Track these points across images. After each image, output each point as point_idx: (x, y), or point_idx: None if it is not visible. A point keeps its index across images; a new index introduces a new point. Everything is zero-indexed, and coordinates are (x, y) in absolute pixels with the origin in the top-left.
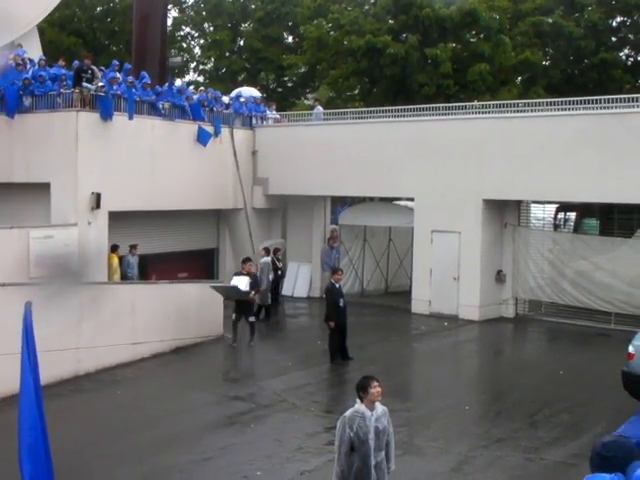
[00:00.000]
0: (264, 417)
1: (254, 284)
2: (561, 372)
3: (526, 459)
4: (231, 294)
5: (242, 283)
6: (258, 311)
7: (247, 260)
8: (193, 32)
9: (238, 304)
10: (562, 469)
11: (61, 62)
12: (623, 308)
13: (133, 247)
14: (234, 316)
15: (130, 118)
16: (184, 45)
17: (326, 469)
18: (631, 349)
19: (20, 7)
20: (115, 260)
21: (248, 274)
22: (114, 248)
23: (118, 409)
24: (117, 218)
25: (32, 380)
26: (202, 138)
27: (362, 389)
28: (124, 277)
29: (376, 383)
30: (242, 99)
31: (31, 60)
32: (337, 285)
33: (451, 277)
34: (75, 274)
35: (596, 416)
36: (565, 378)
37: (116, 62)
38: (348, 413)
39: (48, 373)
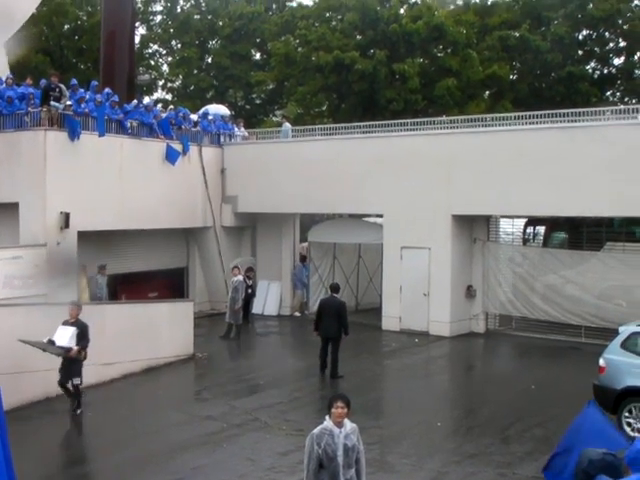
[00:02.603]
0: (236, 436)
1: (81, 336)
2: (533, 387)
3: (499, 474)
4: (49, 350)
5: (65, 336)
6: (229, 330)
7: (75, 305)
8: (161, 50)
9: (63, 361)
10: None
11: (28, 81)
12: (593, 321)
13: (102, 267)
14: (59, 377)
15: (101, 135)
16: (152, 63)
17: None
18: (602, 362)
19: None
20: (83, 280)
21: (75, 323)
22: (82, 268)
23: (89, 431)
24: (86, 238)
25: None
26: (171, 156)
27: (328, 406)
28: (93, 297)
29: (340, 403)
30: (210, 117)
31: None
32: None
33: (421, 293)
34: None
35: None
36: (537, 393)
37: (74, 81)
38: (316, 430)
39: (19, 395)
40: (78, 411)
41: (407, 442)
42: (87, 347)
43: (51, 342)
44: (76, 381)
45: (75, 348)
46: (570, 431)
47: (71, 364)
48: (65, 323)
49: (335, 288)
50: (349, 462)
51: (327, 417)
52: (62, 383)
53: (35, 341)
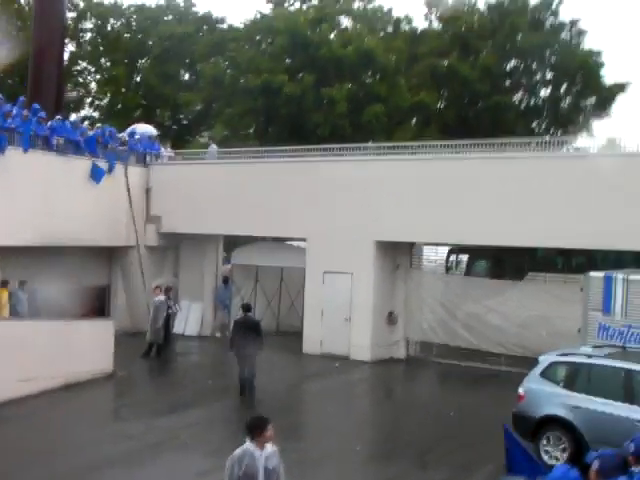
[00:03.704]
0: (155, 455)
1: None
2: (451, 413)
3: None
4: None
5: None
6: (149, 349)
7: None
8: (90, 67)
9: None
10: None
11: None
12: (514, 350)
13: (22, 282)
14: None
15: (25, 151)
16: (80, 80)
17: None
18: (521, 391)
19: None
20: (5, 295)
21: None
22: (4, 283)
23: (4, 447)
24: (8, 253)
25: None
26: (95, 174)
27: (257, 429)
28: (13, 313)
29: (271, 426)
30: (137, 136)
31: None
32: None
33: (343, 318)
34: None
35: (486, 456)
36: (456, 419)
37: (0, 96)
38: (237, 452)
39: None
40: None
41: (327, 466)
42: None
43: None
44: None
45: None
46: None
47: None
48: None
49: (247, 307)
50: None
51: (247, 439)
52: None
53: None
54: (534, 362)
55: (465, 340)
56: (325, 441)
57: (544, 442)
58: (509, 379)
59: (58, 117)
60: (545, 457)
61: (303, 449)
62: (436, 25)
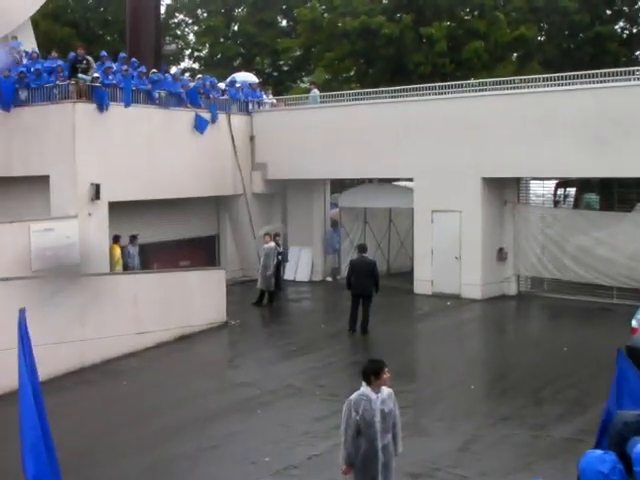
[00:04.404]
0: (270, 403)
1: None
2: (565, 348)
3: (532, 436)
4: None
5: None
6: (261, 296)
7: None
8: (187, 19)
9: None
10: (568, 445)
11: (54, 54)
12: (625, 282)
13: (133, 237)
14: None
15: (127, 106)
16: (178, 32)
17: (334, 453)
18: (634, 324)
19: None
20: (117, 251)
21: None
22: (116, 239)
23: (123, 399)
24: (117, 208)
25: (29, 381)
26: (199, 125)
27: (373, 373)
28: (125, 267)
29: (387, 369)
30: (238, 85)
31: (26, 52)
32: None
33: (452, 256)
34: (76, 266)
35: (601, 392)
36: (569, 354)
37: (104, 53)
38: (353, 396)
39: (54, 366)
40: None
41: (441, 405)
42: None
43: None
44: None
45: None
46: (610, 395)
47: None
48: None
49: (363, 248)
50: (386, 427)
51: (364, 383)
52: None
53: None
54: None
55: (575, 274)
56: (439, 380)
57: None
58: (621, 312)
59: (153, 70)
60: None
61: (417, 389)
62: None
